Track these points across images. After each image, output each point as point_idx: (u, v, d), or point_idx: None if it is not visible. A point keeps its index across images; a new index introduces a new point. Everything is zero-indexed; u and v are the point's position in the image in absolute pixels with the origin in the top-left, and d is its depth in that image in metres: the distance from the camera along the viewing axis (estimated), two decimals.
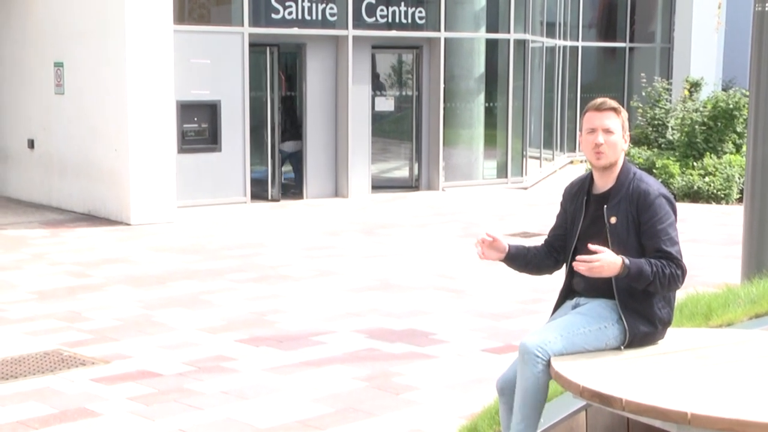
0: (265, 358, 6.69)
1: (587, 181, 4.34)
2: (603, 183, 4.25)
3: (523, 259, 4.43)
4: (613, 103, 4.24)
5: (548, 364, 4.02)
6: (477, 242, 4.38)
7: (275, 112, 14.78)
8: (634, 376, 3.84)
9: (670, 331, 4.31)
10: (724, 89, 20.01)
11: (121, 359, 6.65)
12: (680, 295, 7.31)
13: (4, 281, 9.15)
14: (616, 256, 4.02)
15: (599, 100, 4.28)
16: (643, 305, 4.14)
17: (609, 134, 4.18)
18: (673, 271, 4.07)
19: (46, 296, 8.52)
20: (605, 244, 4.12)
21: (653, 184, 4.17)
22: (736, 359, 4.05)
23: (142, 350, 6.88)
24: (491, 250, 4.37)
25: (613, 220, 4.15)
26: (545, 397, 4.11)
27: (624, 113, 4.25)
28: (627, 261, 4.02)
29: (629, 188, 4.16)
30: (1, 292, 8.67)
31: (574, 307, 4.29)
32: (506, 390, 4.26)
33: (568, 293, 4.40)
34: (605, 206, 4.18)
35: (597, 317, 4.15)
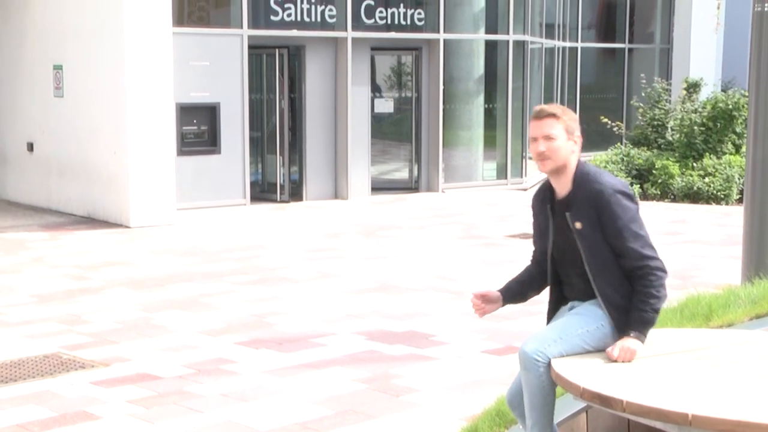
0: (265, 361, 6.68)
1: (548, 187, 4.29)
2: (560, 188, 4.21)
3: (520, 293, 4.45)
4: (552, 109, 4.18)
5: (548, 367, 4.01)
6: (472, 305, 4.41)
7: (278, 114, 14.78)
8: (635, 378, 3.83)
9: (671, 331, 4.30)
10: (724, 90, 20.01)
11: (120, 362, 6.64)
12: (681, 295, 7.32)
13: (3, 284, 9.13)
14: (624, 340, 4.03)
15: (538, 108, 4.22)
16: (628, 302, 4.10)
17: (550, 140, 4.12)
18: (654, 280, 4.04)
19: (46, 299, 8.51)
20: (576, 249, 4.13)
21: (607, 182, 4.11)
22: (737, 360, 4.04)
23: (141, 353, 6.87)
24: (488, 304, 4.40)
25: (578, 225, 4.11)
26: (553, 399, 4.09)
27: (568, 115, 4.17)
28: (632, 332, 4.03)
29: (586, 190, 4.12)
30: (0, 296, 8.66)
31: (570, 309, 4.28)
32: (515, 402, 4.26)
33: (560, 300, 4.37)
34: (567, 213, 4.15)
35: (594, 316, 4.13)
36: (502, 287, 4.45)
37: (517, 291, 4.43)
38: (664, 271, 4.08)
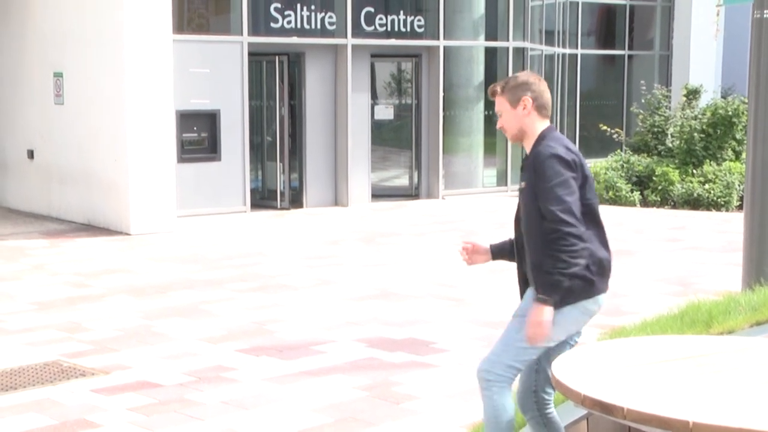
0: (265, 368, 6.68)
1: None
2: (528, 152, 4.34)
3: (509, 252, 4.48)
4: (495, 87, 4.32)
5: (504, 384, 4.10)
6: (461, 252, 4.52)
7: (278, 121, 14.79)
8: (636, 385, 3.82)
9: (672, 338, 4.30)
10: (723, 96, 20.03)
11: (121, 370, 6.64)
12: (681, 302, 7.32)
13: (3, 292, 9.13)
14: (531, 312, 4.06)
15: (490, 89, 4.39)
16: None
17: (500, 116, 4.31)
18: (564, 245, 3.98)
19: (46, 307, 8.51)
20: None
21: (549, 146, 4.12)
22: (739, 367, 4.04)
23: (142, 361, 6.86)
24: (475, 255, 4.50)
25: (522, 185, 4.23)
26: (509, 419, 4.13)
27: (510, 84, 4.25)
28: (539, 296, 4.04)
29: (533, 153, 4.21)
30: (0, 303, 8.66)
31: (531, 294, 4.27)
32: (526, 406, 4.33)
33: (524, 281, 4.39)
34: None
35: (528, 312, 4.14)
36: (493, 243, 4.54)
37: (506, 249, 4.48)
38: (578, 238, 4.01)
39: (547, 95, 4.26)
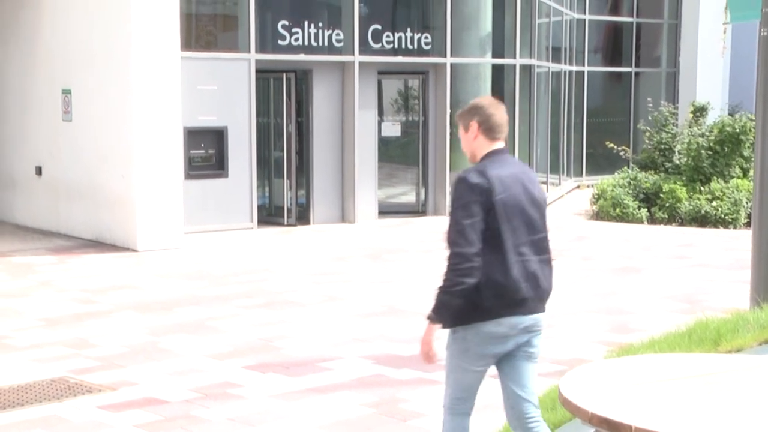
0: (272, 385, 6.67)
1: None
2: None
3: None
4: (457, 113, 4.48)
5: (454, 415, 4.27)
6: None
7: (285, 138, 14.82)
8: (644, 403, 3.81)
9: (680, 356, 4.28)
10: (731, 114, 20.02)
11: (127, 386, 6.63)
12: (689, 320, 7.30)
13: (11, 308, 9.14)
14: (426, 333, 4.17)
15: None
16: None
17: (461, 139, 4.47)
18: (449, 265, 4.10)
19: (53, 323, 8.51)
20: None
21: (465, 171, 4.25)
22: (747, 386, 4.02)
23: (148, 377, 6.86)
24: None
25: None
26: None
27: (463, 111, 4.40)
28: (429, 314, 4.15)
29: None
30: (8, 319, 8.67)
31: None
32: (512, 421, 4.33)
33: None
34: None
35: (449, 338, 4.26)
36: None
37: None
38: (465, 258, 4.07)
39: (496, 118, 4.32)
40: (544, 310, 4.26)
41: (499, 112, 4.33)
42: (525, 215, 4.19)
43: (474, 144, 4.33)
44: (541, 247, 4.24)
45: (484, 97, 4.58)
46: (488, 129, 4.30)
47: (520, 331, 4.18)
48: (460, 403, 4.27)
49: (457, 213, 4.14)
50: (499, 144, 4.31)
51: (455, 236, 4.11)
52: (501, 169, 4.21)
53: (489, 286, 4.11)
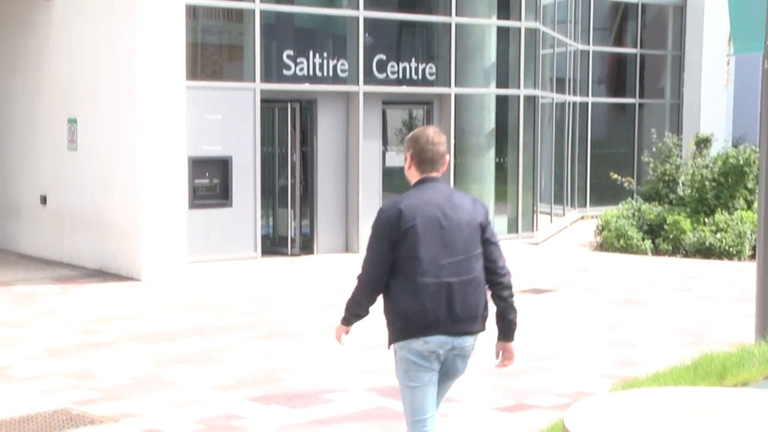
0: (275, 417, 6.64)
1: None
2: None
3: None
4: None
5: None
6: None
7: (289, 167, 14.85)
8: None
9: (685, 390, 4.26)
10: (734, 145, 20.06)
11: (129, 417, 6.61)
12: (694, 353, 7.26)
13: (14, 338, 9.13)
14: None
15: None
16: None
17: None
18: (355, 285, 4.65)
19: (56, 353, 8.49)
20: None
21: (387, 202, 4.60)
22: (753, 420, 4.00)
23: (151, 409, 6.83)
24: None
25: None
26: None
27: (405, 140, 4.64)
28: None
29: None
30: (11, 349, 8.65)
31: None
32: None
33: None
34: None
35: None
36: None
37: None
38: (359, 280, 4.67)
39: (428, 155, 4.52)
40: (472, 332, 4.63)
41: (433, 149, 4.51)
42: (442, 240, 4.41)
43: (408, 173, 4.61)
44: (464, 268, 4.45)
45: (427, 127, 4.67)
46: (420, 162, 4.54)
47: (448, 351, 4.51)
48: (420, 426, 4.50)
49: (369, 241, 4.53)
50: (432, 175, 4.53)
51: (362, 265, 4.57)
52: (417, 198, 4.46)
53: (399, 309, 4.50)
